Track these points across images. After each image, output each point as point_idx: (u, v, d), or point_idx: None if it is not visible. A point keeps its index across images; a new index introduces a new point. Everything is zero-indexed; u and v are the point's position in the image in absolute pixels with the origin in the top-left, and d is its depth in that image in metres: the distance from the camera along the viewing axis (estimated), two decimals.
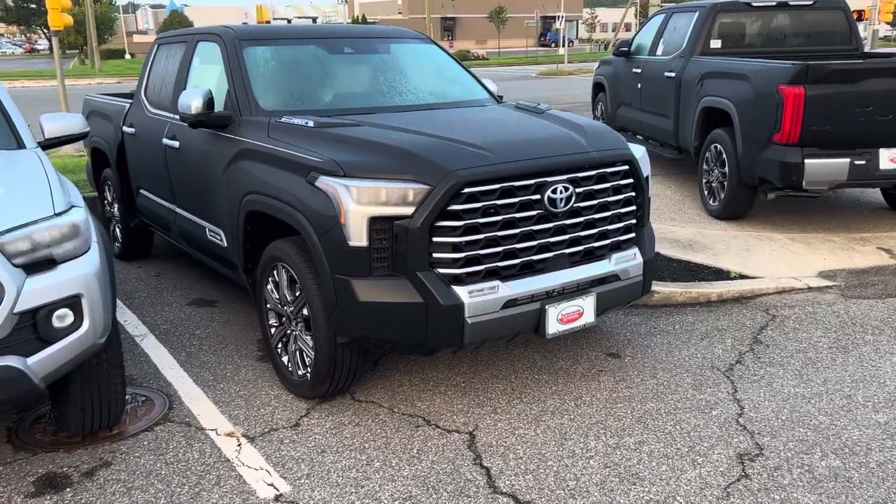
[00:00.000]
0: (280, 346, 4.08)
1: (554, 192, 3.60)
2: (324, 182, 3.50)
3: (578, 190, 3.71)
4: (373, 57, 5.03)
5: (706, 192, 7.43)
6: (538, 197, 3.59)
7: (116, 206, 6.39)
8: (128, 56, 67.60)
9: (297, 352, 3.92)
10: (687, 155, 8.15)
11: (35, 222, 2.95)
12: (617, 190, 3.92)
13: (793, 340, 4.59)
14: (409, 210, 3.38)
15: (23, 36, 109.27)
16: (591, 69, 36.45)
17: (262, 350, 4.57)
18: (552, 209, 3.62)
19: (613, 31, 70.71)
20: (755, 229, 6.88)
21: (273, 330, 4.12)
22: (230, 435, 3.61)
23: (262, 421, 3.74)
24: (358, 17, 71.56)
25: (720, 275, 5.68)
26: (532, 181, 3.57)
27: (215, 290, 5.71)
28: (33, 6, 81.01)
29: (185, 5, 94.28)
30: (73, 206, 3.16)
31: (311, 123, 3.94)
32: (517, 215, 3.54)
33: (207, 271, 6.07)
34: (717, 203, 7.22)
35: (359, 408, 3.86)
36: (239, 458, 3.41)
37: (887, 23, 32.85)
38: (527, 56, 53.69)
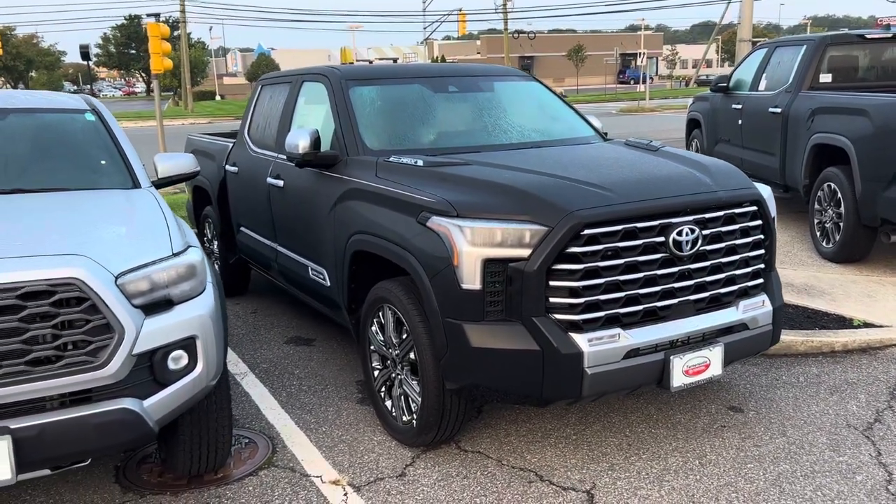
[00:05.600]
0: (383, 389, 3.96)
1: (679, 234, 3.38)
2: (436, 222, 3.39)
3: (705, 232, 3.48)
4: (477, 95, 4.95)
5: (818, 234, 7.00)
6: (662, 239, 3.38)
7: (216, 243, 6.48)
8: (218, 97, 70.53)
9: (402, 397, 3.79)
10: (794, 193, 7.73)
11: (154, 262, 2.92)
12: (745, 232, 3.66)
13: None
14: (526, 252, 3.22)
15: (122, 80, 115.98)
16: (673, 105, 35.51)
17: (361, 392, 4.46)
18: (677, 252, 3.39)
19: (694, 67, 69.62)
20: (876, 273, 6.41)
21: (376, 373, 4.01)
22: (335, 483, 3.49)
23: (367, 469, 3.61)
24: (437, 57, 72.80)
25: (842, 322, 5.28)
26: (656, 222, 3.36)
27: (312, 329, 5.66)
28: (132, 52, 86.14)
29: (273, 48, 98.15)
30: (189, 247, 3.14)
31: (420, 162, 3.85)
32: (640, 259, 3.34)
33: (303, 309, 6.04)
34: (831, 245, 6.78)
35: (465, 458, 3.68)
36: None
37: None
38: (605, 93, 53.28)
